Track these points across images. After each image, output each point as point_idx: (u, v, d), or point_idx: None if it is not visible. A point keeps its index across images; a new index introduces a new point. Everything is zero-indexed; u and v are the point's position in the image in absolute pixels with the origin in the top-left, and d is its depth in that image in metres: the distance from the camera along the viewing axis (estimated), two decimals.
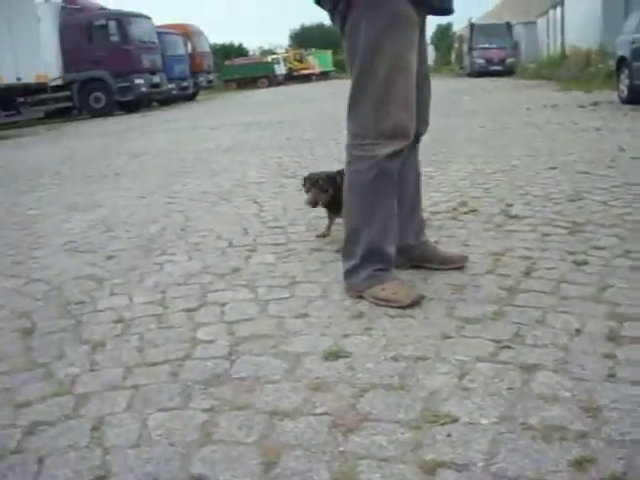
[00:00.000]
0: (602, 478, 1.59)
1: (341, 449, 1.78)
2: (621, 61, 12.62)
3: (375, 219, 2.72)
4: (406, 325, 2.52)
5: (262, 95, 29.28)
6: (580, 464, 1.65)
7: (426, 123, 3.00)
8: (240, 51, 67.24)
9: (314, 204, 3.70)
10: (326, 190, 3.61)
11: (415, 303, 2.67)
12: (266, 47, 74.21)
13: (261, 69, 46.53)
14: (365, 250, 2.75)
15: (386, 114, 2.63)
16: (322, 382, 2.14)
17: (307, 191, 3.73)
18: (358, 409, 1.96)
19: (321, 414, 1.95)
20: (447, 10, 2.81)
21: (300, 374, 2.21)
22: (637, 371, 2.08)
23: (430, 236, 3.48)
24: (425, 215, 3.95)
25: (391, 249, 2.79)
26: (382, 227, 2.73)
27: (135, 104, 21.90)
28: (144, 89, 21.37)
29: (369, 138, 2.68)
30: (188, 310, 2.87)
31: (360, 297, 2.78)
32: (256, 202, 5.04)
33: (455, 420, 1.86)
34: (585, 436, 1.76)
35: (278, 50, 62.78)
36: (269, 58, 51.36)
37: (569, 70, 21.37)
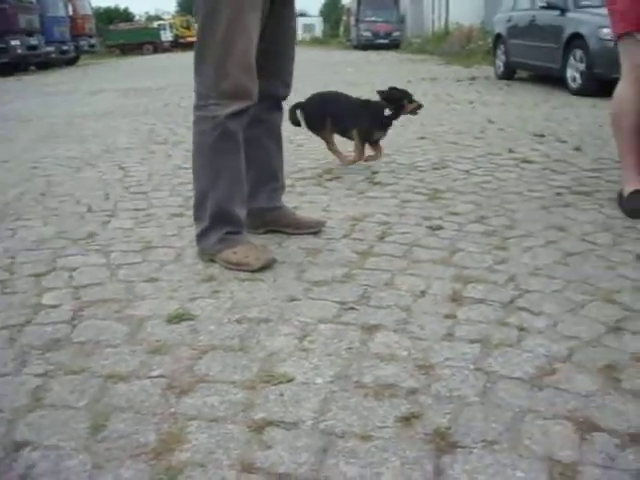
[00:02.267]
0: (426, 433, 1.62)
1: (172, 410, 1.74)
2: (498, 38, 12.97)
3: (220, 180, 2.68)
4: (255, 288, 2.50)
5: (146, 61, 28.59)
6: (407, 420, 1.67)
7: (287, 87, 2.98)
8: (126, 16, 65.62)
9: None
10: None
11: (266, 267, 2.65)
12: (152, 12, 72.69)
13: (146, 35, 45.42)
14: (213, 212, 2.71)
15: (226, 74, 2.59)
16: (162, 345, 2.09)
17: None
18: (195, 371, 1.93)
19: (157, 377, 1.91)
20: None
21: (141, 337, 2.15)
22: (474, 330, 2.13)
23: (291, 202, 3.47)
24: (290, 181, 3.96)
25: (240, 211, 2.75)
26: (228, 189, 2.70)
27: (11, 67, 20.86)
28: (20, 51, 20.35)
29: (211, 98, 2.64)
30: (36, 275, 2.76)
31: (212, 261, 2.74)
32: (122, 168, 4.90)
33: (290, 380, 1.85)
34: (415, 393, 1.78)
35: (165, 16, 61.61)
36: (155, 24, 50.32)
37: (452, 46, 21.76)
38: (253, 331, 2.15)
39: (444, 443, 1.58)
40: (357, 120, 4.36)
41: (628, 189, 3.50)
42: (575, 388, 1.81)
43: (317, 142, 5.44)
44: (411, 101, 4.49)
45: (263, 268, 2.64)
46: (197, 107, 2.71)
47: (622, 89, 3.56)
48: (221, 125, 2.63)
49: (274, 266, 2.69)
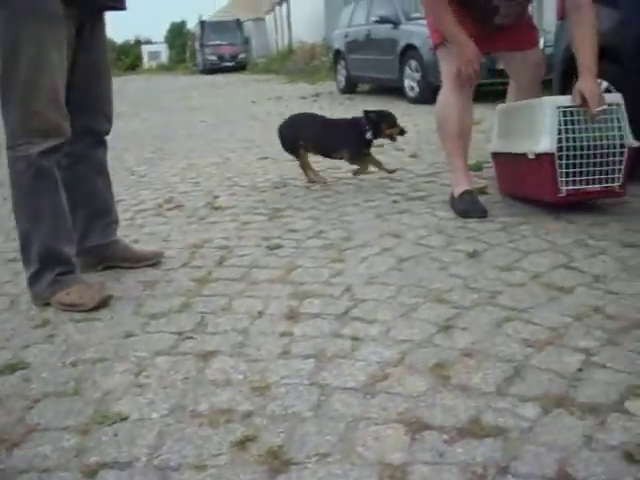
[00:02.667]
0: (260, 454, 1.63)
1: (1, 467, 1.68)
2: (338, 54, 13.29)
3: (42, 220, 2.62)
4: (90, 328, 2.44)
5: None
6: (242, 443, 1.67)
7: (109, 121, 2.94)
8: None
9: None
10: None
11: (102, 305, 2.59)
12: None
13: None
14: (40, 254, 2.63)
15: (34, 113, 2.54)
16: None
17: None
18: (27, 421, 1.86)
19: None
20: (111, 7, 2.78)
21: None
22: (309, 345, 2.16)
23: (131, 235, 3.43)
24: (129, 214, 3.91)
25: (68, 249, 2.69)
26: (51, 228, 2.63)
27: None
28: None
29: (21, 138, 2.58)
30: None
31: (48, 304, 2.66)
32: None
33: (124, 418, 1.82)
34: (250, 415, 1.79)
35: None
36: None
37: (296, 64, 22.13)
38: (88, 372, 2.10)
39: (278, 462, 1.59)
40: (346, 142, 4.50)
41: (458, 190, 3.65)
42: (406, 390, 1.87)
43: (159, 172, 5.41)
44: (391, 125, 4.54)
45: (99, 306, 2.59)
46: (9, 148, 2.63)
47: (444, 95, 3.72)
48: (34, 164, 2.57)
49: (111, 303, 2.63)
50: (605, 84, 4.02)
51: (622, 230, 3.14)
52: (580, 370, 1.93)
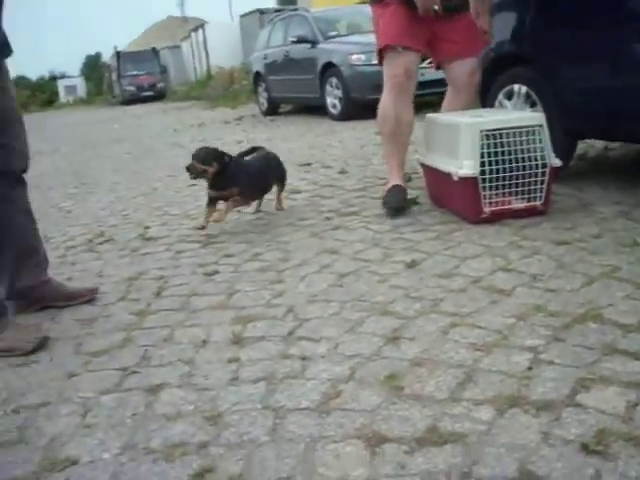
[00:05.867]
0: None
1: None
2: (258, 76, 13.29)
3: None
4: (30, 372, 2.35)
5: None
6: (201, 476, 1.63)
7: (23, 158, 2.80)
8: None
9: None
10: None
11: (39, 347, 2.50)
12: None
13: None
14: None
15: None
16: None
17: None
18: None
19: None
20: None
21: None
22: (258, 369, 2.13)
23: (64, 273, 3.35)
24: (60, 252, 3.82)
25: None
26: None
27: None
28: None
29: None
30: None
31: None
32: None
33: (75, 462, 1.75)
34: (206, 446, 1.75)
35: None
36: None
37: (216, 89, 22.06)
38: (32, 419, 2.02)
39: None
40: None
41: (388, 186, 3.89)
42: (361, 405, 1.86)
43: (85, 206, 5.30)
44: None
45: (37, 349, 2.49)
46: None
47: (383, 98, 3.91)
48: None
49: (49, 344, 2.54)
50: (525, 89, 4.13)
51: (553, 229, 3.21)
52: (530, 369, 1.95)
